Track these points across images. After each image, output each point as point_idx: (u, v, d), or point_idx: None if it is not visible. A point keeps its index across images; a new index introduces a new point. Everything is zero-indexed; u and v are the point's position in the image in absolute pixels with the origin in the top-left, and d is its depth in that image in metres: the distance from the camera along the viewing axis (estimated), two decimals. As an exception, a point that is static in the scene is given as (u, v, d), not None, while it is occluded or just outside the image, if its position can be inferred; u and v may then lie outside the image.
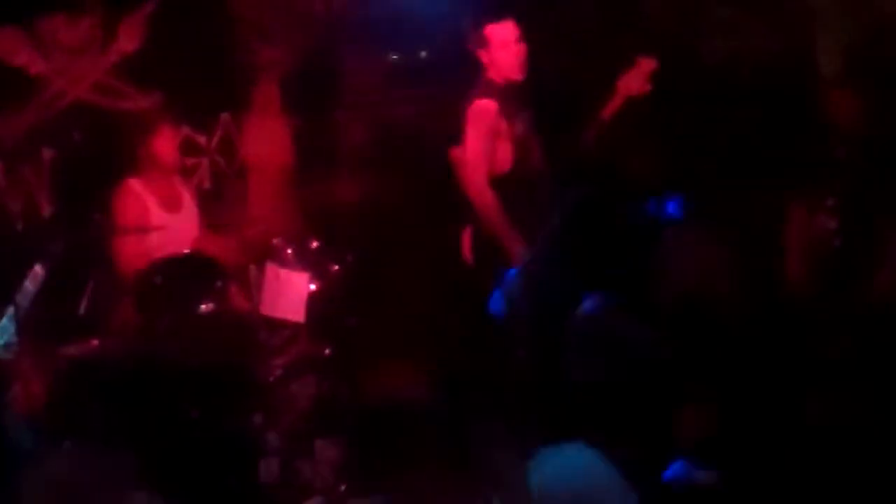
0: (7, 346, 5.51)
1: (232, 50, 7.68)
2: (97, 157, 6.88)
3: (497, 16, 6.23)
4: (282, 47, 7.81)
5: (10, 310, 5.60)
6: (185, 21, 7.29)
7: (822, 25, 3.50)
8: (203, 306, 6.16)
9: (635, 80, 6.01)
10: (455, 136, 6.42)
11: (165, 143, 6.58)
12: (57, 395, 5.67)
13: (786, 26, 4.32)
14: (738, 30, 4.41)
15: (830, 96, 5.70)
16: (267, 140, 7.84)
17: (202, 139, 7.61)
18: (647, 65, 5.99)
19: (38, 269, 5.76)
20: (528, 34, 6.25)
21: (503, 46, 6.12)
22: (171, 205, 6.60)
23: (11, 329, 5.59)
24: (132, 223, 6.35)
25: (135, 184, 6.47)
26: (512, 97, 6.16)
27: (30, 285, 5.71)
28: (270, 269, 6.43)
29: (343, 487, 5.92)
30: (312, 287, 6.43)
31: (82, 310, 6.11)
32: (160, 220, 6.48)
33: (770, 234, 5.94)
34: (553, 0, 6.69)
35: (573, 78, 6.35)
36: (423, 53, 7.89)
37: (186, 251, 6.52)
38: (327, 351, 6.47)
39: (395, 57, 8.00)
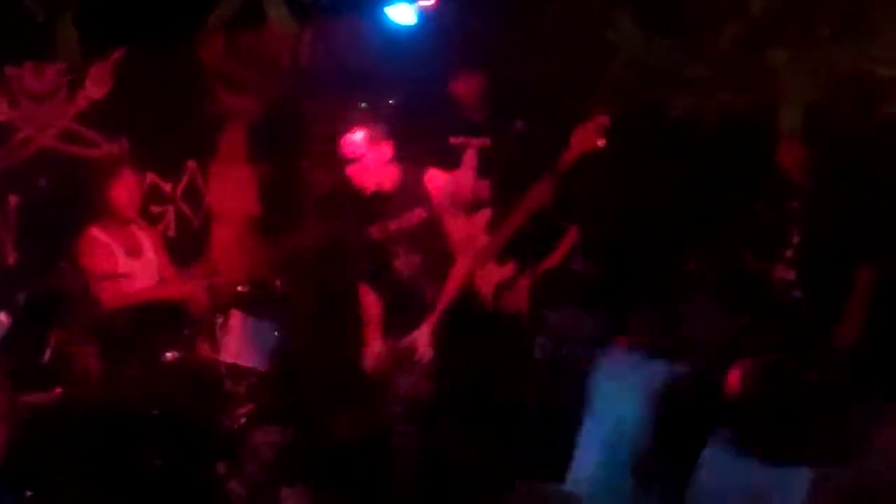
0: None
1: (198, 97, 7.68)
2: (62, 205, 6.84)
3: (462, 69, 6.35)
4: (248, 95, 7.83)
5: None
6: (153, 68, 7.26)
7: (782, 84, 3.56)
8: (168, 354, 6.19)
9: (589, 134, 6.08)
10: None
11: (125, 191, 6.58)
12: (19, 444, 5.63)
13: (747, 84, 4.37)
14: (702, 87, 4.45)
15: (783, 148, 5.77)
16: (232, 188, 7.85)
17: (168, 186, 7.59)
18: (600, 120, 6.06)
19: (2, 316, 5.74)
20: (493, 86, 6.35)
21: None
22: (132, 251, 6.59)
23: None
24: (99, 270, 6.33)
25: (97, 232, 6.46)
26: None
27: None
28: (236, 316, 6.44)
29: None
30: (277, 334, 6.45)
31: (46, 357, 6.04)
32: (125, 266, 6.46)
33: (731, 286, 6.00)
34: (517, 54, 6.73)
35: (532, 134, 6.41)
36: (391, 101, 7.91)
37: (152, 298, 6.54)
38: (291, 399, 6.47)
39: (362, 105, 8.00)
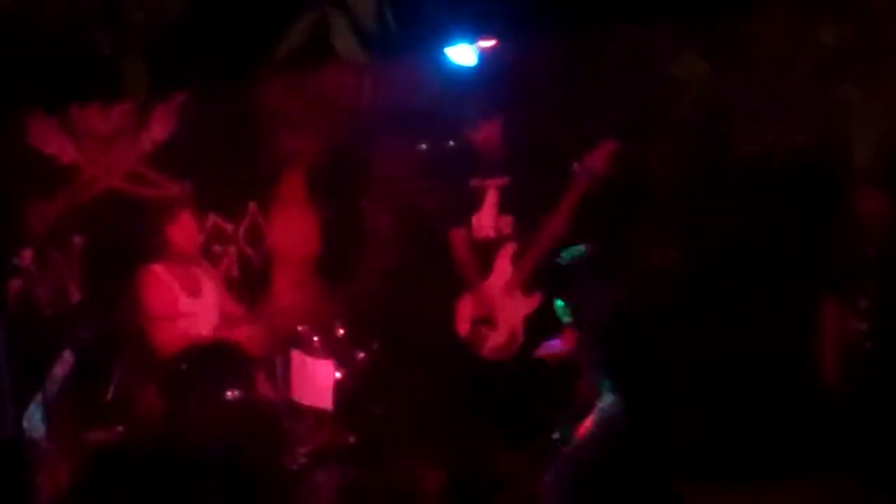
0: (34, 432, 5.46)
1: (260, 139, 7.71)
2: (126, 245, 6.88)
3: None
4: (309, 137, 7.84)
5: (39, 396, 5.57)
6: (215, 110, 7.33)
7: (854, 120, 3.49)
8: (229, 393, 6.16)
9: (595, 160, 6.10)
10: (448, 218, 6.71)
11: (185, 231, 6.61)
12: (82, 481, 5.66)
13: (818, 120, 4.32)
14: (770, 122, 4.40)
15: (860, 194, 5.70)
16: (293, 229, 7.85)
17: (230, 227, 7.65)
18: (607, 147, 6.12)
19: (67, 354, 5.77)
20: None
21: None
22: (193, 291, 6.60)
23: (39, 415, 5.56)
24: (162, 310, 6.35)
25: (159, 270, 6.49)
26: None
27: (59, 371, 5.71)
28: (296, 356, 6.42)
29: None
30: (338, 374, 6.43)
31: (109, 396, 6.07)
32: (186, 306, 6.48)
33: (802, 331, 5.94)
34: (577, 94, 6.74)
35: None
36: (451, 143, 7.91)
37: (213, 338, 6.54)
38: (352, 439, 6.44)
39: (423, 146, 8.01)
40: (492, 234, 6.53)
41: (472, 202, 6.57)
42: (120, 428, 6.03)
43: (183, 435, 5.95)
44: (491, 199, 6.54)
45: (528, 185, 6.45)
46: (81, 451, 5.82)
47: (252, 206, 7.75)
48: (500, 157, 6.53)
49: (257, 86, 7.51)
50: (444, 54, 5.85)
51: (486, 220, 6.54)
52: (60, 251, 6.88)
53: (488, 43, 6.27)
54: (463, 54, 6.05)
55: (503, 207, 6.51)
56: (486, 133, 6.50)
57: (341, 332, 6.63)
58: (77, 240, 6.94)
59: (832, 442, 5.63)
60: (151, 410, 6.22)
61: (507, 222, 6.51)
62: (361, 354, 6.63)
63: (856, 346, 5.67)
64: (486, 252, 6.55)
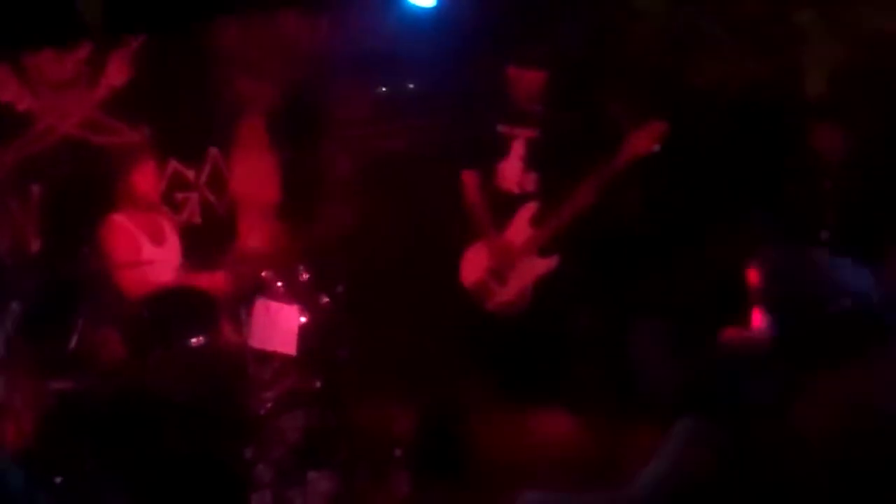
0: None
1: (218, 84, 7.69)
2: (85, 193, 6.85)
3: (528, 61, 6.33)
4: (267, 82, 7.82)
5: None
6: (172, 56, 7.30)
7: (809, 46, 3.49)
8: (193, 340, 6.16)
9: (645, 139, 6.05)
10: (461, 160, 6.56)
11: (146, 178, 6.59)
12: (47, 430, 5.65)
13: (772, 48, 4.32)
14: (725, 53, 4.40)
15: (816, 130, 5.72)
16: (255, 174, 7.85)
17: (191, 174, 7.63)
18: (657, 127, 6.03)
19: (14, 305, 5.74)
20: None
21: None
22: (156, 238, 6.59)
23: None
24: (126, 258, 6.33)
25: (120, 219, 6.45)
26: None
27: (8, 322, 5.70)
28: (260, 302, 6.40)
29: (336, 519, 5.94)
30: (303, 319, 6.42)
31: (72, 345, 6.04)
32: (150, 253, 6.45)
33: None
34: (539, 33, 6.69)
35: (584, 128, 6.38)
36: (411, 85, 7.89)
37: (176, 285, 6.54)
38: (318, 383, 6.44)
39: (382, 89, 7.99)
40: (515, 188, 6.40)
41: (496, 148, 6.42)
42: (84, 376, 5.97)
43: (147, 382, 5.93)
44: (517, 150, 6.39)
45: (559, 143, 6.33)
46: (45, 400, 5.80)
47: (213, 151, 7.73)
48: (535, 107, 6.37)
49: (214, 30, 7.48)
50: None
51: (511, 172, 6.40)
52: (18, 200, 6.83)
53: None
54: (421, -5, 6.01)
55: (530, 162, 6.38)
56: (527, 80, 6.32)
57: (305, 276, 6.61)
58: (35, 189, 6.89)
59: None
60: (115, 358, 6.19)
61: (531, 179, 6.38)
62: (326, 298, 6.63)
63: None
64: (505, 205, 6.42)
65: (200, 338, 6.18)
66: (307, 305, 6.47)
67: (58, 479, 5.42)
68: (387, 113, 7.95)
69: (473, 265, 6.50)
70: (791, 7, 3.53)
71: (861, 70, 3.89)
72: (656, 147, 6.01)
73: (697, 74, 4.24)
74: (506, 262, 6.38)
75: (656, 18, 3.79)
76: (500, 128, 6.39)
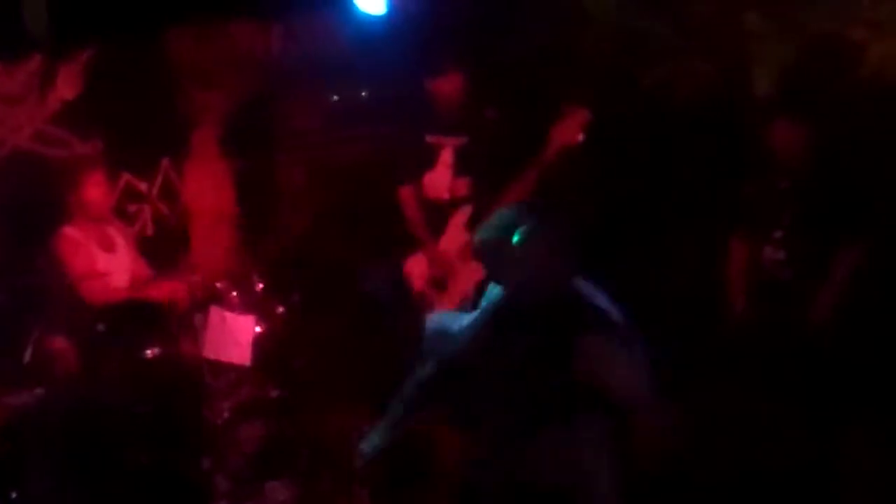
0: None
1: (171, 95, 7.68)
2: (37, 206, 6.81)
3: (443, 67, 6.33)
4: (220, 92, 7.83)
5: None
6: (123, 67, 7.26)
7: (757, 48, 3.54)
8: (148, 351, 6.14)
9: (568, 130, 6.05)
10: (397, 174, 6.54)
11: (96, 190, 6.55)
12: (1, 444, 5.62)
13: (721, 49, 4.36)
14: (674, 54, 4.44)
15: (772, 126, 5.76)
16: (208, 185, 7.85)
17: (143, 186, 7.60)
18: (580, 116, 6.04)
19: None
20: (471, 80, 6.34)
21: None
22: (108, 249, 6.57)
23: None
24: (82, 269, 6.30)
25: (71, 231, 6.43)
26: None
27: None
28: (215, 312, 6.43)
29: (294, 528, 5.96)
30: (258, 329, 6.45)
31: (26, 358, 6.01)
32: (104, 264, 6.43)
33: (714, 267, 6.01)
34: (492, 37, 6.72)
35: (509, 127, 6.39)
36: (364, 94, 7.92)
37: (130, 297, 6.50)
38: (274, 393, 6.47)
39: (335, 98, 8.01)
40: (445, 195, 6.39)
41: (425, 159, 6.40)
42: (39, 390, 5.93)
43: (104, 395, 5.92)
44: (446, 158, 6.38)
45: (488, 146, 6.31)
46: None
47: (165, 162, 7.71)
48: (459, 114, 6.35)
49: (167, 40, 7.47)
50: (352, 3, 5.80)
51: (440, 180, 6.39)
52: None
53: None
54: (371, 3, 5.98)
55: (459, 168, 6.36)
56: (447, 87, 6.30)
57: (260, 286, 6.64)
58: (-16, 202, 6.84)
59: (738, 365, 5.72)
60: (71, 370, 6.15)
61: (462, 184, 6.36)
62: (281, 308, 6.65)
63: (772, 275, 5.75)
64: (438, 213, 6.41)
65: (156, 349, 6.16)
66: (262, 315, 6.51)
67: (13, 494, 5.39)
68: (339, 122, 7.98)
69: (414, 275, 6.50)
70: (739, 9, 3.58)
71: (808, 70, 3.95)
72: (581, 136, 6.01)
73: (647, 75, 4.28)
74: (444, 270, 6.40)
75: (607, 22, 3.82)
76: (428, 138, 6.40)
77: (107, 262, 6.48)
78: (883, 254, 5.55)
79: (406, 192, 6.48)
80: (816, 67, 4.31)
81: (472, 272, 6.27)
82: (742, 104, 5.47)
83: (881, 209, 5.59)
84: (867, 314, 5.41)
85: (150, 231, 7.60)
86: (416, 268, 6.49)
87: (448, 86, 6.31)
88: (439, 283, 6.41)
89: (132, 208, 7.50)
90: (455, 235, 6.40)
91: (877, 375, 5.28)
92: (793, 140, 5.69)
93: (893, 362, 5.35)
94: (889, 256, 5.56)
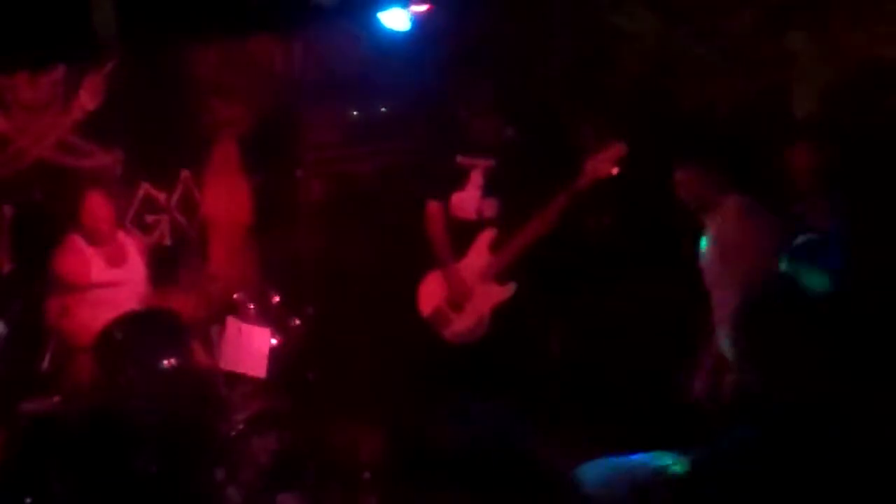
0: None
1: (191, 108, 7.72)
2: (55, 215, 6.86)
3: (465, 74, 6.34)
4: (240, 105, 7.87)
5: None
6: (146, 79, 7.31)
7: (797, 69, 3.50)
8: (164, 362, 6.12)
9: (604, 163, 6.07)
10: (425, 190, 6.56)
11: (99, 201, 6.56)
12: (17, 451, 5.63)
13: (762, 69, 4.33)
14: (714, 72, 4.42)
15: (794, 153, 5.75)
16: (226, 197, 7.89)
17: (162, 196, 7.64)
18: (616, 150, 6.05)
19: (1, 326, 5.74)
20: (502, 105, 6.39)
21: None
22: (116, 260, 6.58)
23: None
24: (72, 280, 6.34)
25: (77, 240, 6.47)
26: None
27: None
28: (232, 324, 6.42)
29: (305, 541, 5.96)
30: (274, 342, 6.44)
31: (44, 365, 6.04)
32: (104, 275, 6.46)
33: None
34: (520, 55, 6.72)
35: (540, 152, 6.40)
36: (383, 109, 7.94)
37: (147, 307, 6.54)
38: (287, 405, 6.45)
39: (354, 113, 8.04)
40: (472, 215, 6.41)
41: (456, 179, 6.42)
42: (56, 398, 5.94)
43: (119, 404, 5.89)
44: (476, 179, 6.39)
45: (518, 170, 6.35)
46: (17, 422, 5.74)
47: (185, 174, 7.75)
48: (492, 137, 6.39)
49: (188, 54, 7.52)
50: (376, 19, 5.82)
51: (469, 200, 6.41)
52: None
53: (422, 7, 6.23)
54: (396, 19, 5.99)
55: (488, 189, 6.38)
56: (482, 111, 6.35)
57: (276, 298, 6.64)
58: (7, 210, 6.89)
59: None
60: (86, 380, 6.18)
61: (490, 205, 6.39)
62: (296, 321, 6.66)
63: None
64: (462, 233, 6.42)
65: (172, 359, 6.14)
66: (278, 327, 6.50)
67: (28, 501, 5.40)
68: (358, 136, 8.01)
69: (430, 294, 6.51)
70: (781, 30, 3.55)
71: (844, 90, 3.92)
72: (615, 170, 6.05)
73: (687, 96, 4.26)
74: (462, 291, 6.40)
75: (646, 41, 3.78)
76: (459, 159, 6.42)
77: (111, 273, 6.51)
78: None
79: (434, 208, 6.48)
80: (855, 91, 4.28)
81: (492, 295, 6.34)
82: (782, 125, 5.44)
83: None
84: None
85: (167, 241, 7.64)
86: (432, 287, 6.51)
87: (482, 123, 6.35)
88: (456, 305, 6.41)
89: (150, 218, 7.55)
90: (477, 256, 6.42)
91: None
92: (810, 163, 5.68)
93: None
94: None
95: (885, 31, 3.38)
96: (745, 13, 3.92)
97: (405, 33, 5.77)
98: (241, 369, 6.37)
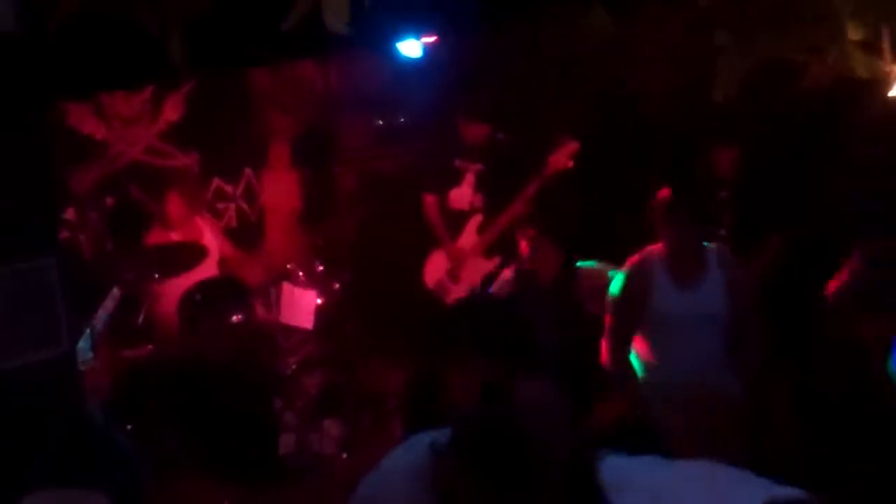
0: (82, 355, 5.35)
1: (252, 119, 7.75)
2: (146, 205, 6.93)
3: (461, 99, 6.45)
4: (290, 116, 7.88)
5: (88, 328, 5.59)
6: (217, 96, 7.36)
7: (722, 61, 3.51)
8: (234, 317, 6.24)
9: (562, 158, 6.16)
10: (426, 185, 6.63)
11: (176, 197, 6.65)
12: (121, 389, 5.73)
13: (691, 62, 4.28)
14: (651, 65, 4.38)
15: (714, 149, 5.80)
16: (280, 188, 7.91)
17: (230, 188, 7.68)
18: (571, 147, 6.14)
19: (115, 291, 5.81)
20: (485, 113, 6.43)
21: None
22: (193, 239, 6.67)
23: (88, 346, 5.55)
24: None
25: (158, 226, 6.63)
26: None
27: (109, 304, 5.75)
28: (286, 287, 6.52)
29: (344, 455, 6.04)
30: (319, 301, 6.53)
31: (140, 321, 6.15)
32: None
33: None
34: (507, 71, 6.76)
35: (515, 152, 6.47)
36: (401, 119, 8.00)
37: (220, 275, 6.63)
38: (330, 350, 6.54)
39: (379, 122, 8.09)
40: (466, 207, 6.49)
41: (453, 178, 6.51)
42: (149, 346, 6.05)
43: (199, 351, 6.01)
44: (469, 179, 6.48)
45: (502, 169, 6.40)
46: (119, 366, 5.82)
47: (247, 171, 7.78)
48: (482, 148, 6.44)
49: (250, 75, 7.54)
50: (395, 48, 5.91)
51: (464, 195, 6.49)
52: (96, 210, 6.89)
53: (430, 38, 6.31)
54: (411, 48, 6.07)
55: (478, 187, 6.47)
56: (476, 128, 6.41)
57: (320, 268, 6.70)
58: (108, 201, 6.96)
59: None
60: (174, 332, 6.26)
61: (479, 198, 6.46)
62: (336, 285, 6.71)
63: None
64: (458, 220, 6.50)
65: (239, 315, 6.25)
66: (322, 290, 6.57)
67: (129, 426, 5.46)
68: (382, 140, 8.04)
69: (435, 267, 6.58)
70: (710, 30, 3.53)
71: (756, 82, 3.91)
72: (571, 163, 6.10)
73: (629, 83, 4.17)
74: (459, 264, 6.49)
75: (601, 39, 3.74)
76: (457, 162, 6.52)
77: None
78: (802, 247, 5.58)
79: (429, 199, 6.57)
80: (764, 81, 4.30)
81: (481, 266, 6.45)
82: (702, 114, 5.44)
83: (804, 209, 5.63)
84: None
85: (234, 223, 7.67)
86: (437, 262, 6.58)
87: (475, 129, 6.42)
88: (454, 276, 6.50)
89: (221, 206, 7.59)
90: (469, 237, 6.51)
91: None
92: (728, 162, 5.75)
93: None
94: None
95: (790, 32, 3.39)
96: (680, 16, 3.90)
97: (418, 59, 5.83)
98: (293, 322, 6.46)
